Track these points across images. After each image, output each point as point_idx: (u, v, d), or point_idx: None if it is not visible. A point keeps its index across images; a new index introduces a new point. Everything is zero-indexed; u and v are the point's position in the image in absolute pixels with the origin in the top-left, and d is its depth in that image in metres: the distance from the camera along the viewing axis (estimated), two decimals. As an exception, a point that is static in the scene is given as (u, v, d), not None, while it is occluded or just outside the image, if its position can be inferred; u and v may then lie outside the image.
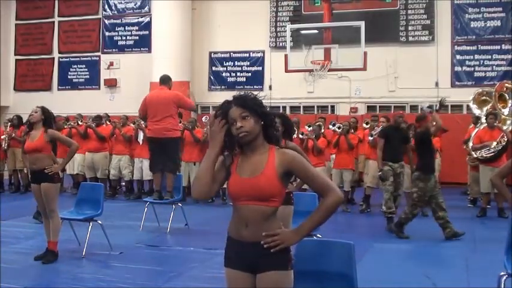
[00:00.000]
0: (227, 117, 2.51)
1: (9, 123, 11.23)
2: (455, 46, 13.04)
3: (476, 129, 9.18)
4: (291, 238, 2.50)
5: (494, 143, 8.55)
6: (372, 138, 9.04)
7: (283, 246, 2.47)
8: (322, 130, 9.37)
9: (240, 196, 2.51)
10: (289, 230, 2.57)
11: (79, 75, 16.02)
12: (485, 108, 9.65)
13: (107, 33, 15.67)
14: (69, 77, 16.10)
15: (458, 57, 13.01)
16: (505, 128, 8.76)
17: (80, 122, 10.70)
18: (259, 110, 2.51)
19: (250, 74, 14.45)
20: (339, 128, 9.27)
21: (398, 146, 7.66)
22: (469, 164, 9.49)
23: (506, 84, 9.58)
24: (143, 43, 15.13)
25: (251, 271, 2.51)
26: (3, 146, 10.94)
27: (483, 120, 9.34)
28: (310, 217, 2.54)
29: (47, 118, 5.64)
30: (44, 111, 5.64)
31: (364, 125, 10.31)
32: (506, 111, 9.23)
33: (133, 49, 15.40)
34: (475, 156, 8.81)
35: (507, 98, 9.36)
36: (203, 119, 10.75)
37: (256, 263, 2.49)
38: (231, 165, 2.57)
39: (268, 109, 2.60)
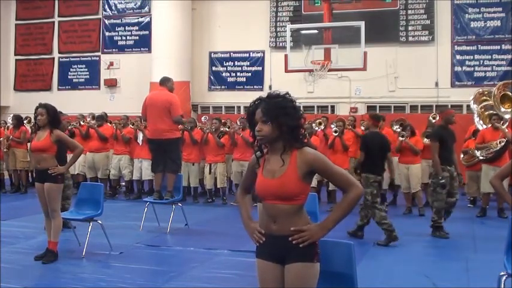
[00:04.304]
0: (254, 115, 2.66)
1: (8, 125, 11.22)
2: (455, 46, 13.04)
3: (482, 128, 9.18)
4: (317, 233, 2.63)
5: (495, 143, 8.56)
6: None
7: (311, 241, 2.61)
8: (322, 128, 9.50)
9: (266, 196, 2.67)
10: (315, 225, 2.68)
11: (79, 75, 16.02)
12: (482, 105, 9.67)
13: (107, 33, 15.67)
14: (69, 77, 16.11)
15: (458, 57, 13.00)
16: (504, 126, 8.76)
17: (82, 123, 10.70)
18: (278, 118, 2.59)
19: (250, 74, 14.44)
20: (335, 132, 9.28)
21: (452, 147, 7.16)
22: (463, 163, 9.47)
23: (500, 87, 9.52)
24: (143, 43, 15.13)
25: (280, 262, 2.67)
26: (2, 147, 10.93)
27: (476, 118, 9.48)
28: (334, 211, 2.70)
29: (53, 118, 5.67)
30: (49, 112, 5.64)
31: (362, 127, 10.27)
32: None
33: (133, 49, 15.40)
34: (477, 155, 8.81)
35: None
36: (202, 118, 10.75)
37: (284, 255, 2.64)
38: (258, 168, 2.73)
39: (296, 115, 2.64)
